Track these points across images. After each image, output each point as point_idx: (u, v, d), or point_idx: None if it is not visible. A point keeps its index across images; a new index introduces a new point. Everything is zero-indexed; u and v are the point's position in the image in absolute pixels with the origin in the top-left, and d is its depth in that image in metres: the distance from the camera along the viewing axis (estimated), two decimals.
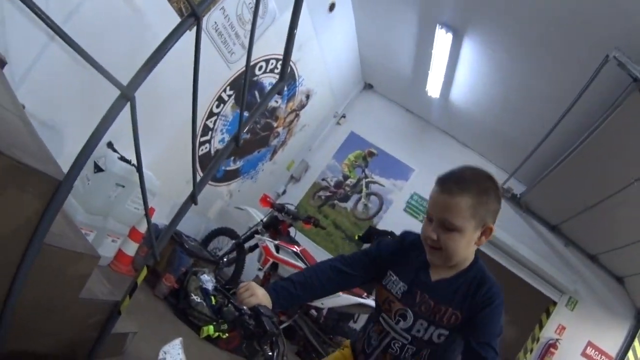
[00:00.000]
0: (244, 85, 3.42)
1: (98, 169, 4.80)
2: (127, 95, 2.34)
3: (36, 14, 1.99)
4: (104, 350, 3.19)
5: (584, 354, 9.10)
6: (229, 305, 2.06)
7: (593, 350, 9.16)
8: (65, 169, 2.28)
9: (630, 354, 9.11)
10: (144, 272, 3.26)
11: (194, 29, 2.54)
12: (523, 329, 10.90)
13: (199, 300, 5.49)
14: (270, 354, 1.84)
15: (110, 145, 4.91)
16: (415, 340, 2.19)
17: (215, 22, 5.33)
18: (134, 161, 5.02)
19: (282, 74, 3.76)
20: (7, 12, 3.33)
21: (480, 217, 2.04)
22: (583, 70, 5.10)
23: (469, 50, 6.56)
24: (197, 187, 3.39)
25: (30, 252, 2.21)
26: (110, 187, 4.87)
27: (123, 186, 4.92)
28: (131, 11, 4.33)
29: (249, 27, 5.63)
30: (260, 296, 2.03)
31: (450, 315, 2.12)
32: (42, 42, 3.71)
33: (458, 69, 7.06)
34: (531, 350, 9.11)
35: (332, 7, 7.15)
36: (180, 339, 2.20)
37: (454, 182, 2.06)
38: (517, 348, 9.64)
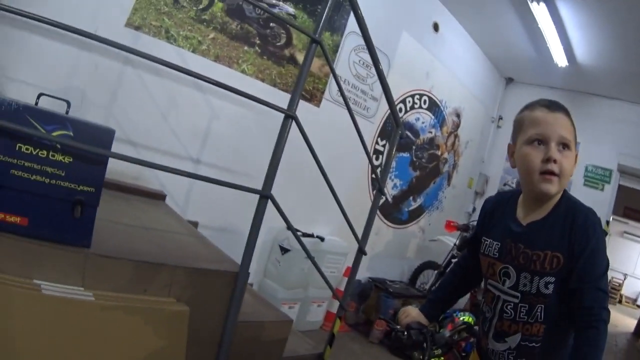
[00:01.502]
0: (361, 140, 3.78)
1: (284, 250, 5.38)
2: (265, 195, 2.79)
3: (172, 171, 2.54)
4: None
5: None
6: (440, 331, 2.42)
7: None
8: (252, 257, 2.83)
9: None
10: (337, 322, 3.69)
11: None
12: None
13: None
14: (420, 357, 2.17)
15: (290, 227, 5.47)
16: (525, 295, 2.07)
17: (337, 90, 5.75)
18: (317, 233, 5.60)
19: (396, 120, 4.05)
20: (149, 154, 4.05)
21: (575, 139, 2.05)
22: None
23: (566, 11, 6.50)
24: (361, 240, 3.78)
25: (226, 330, 2.69)
26: (301, 262, 5.38)
27: (313, 257, 5.45)
28: (257, 115, 4.93)
29: (369, 80, 6.12)
30: (414, 315, 2.37)
31: (551, 258, 1.99)
32: (190, 168, 4.43)
33: (568, 32, 7.00)
34: None
35: (436, 27, 7.44)
36: None
37: (556, 104, 2.07)
38: None
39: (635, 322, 14.85)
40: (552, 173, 1.96)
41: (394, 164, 7.32)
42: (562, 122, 2.00)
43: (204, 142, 4.61)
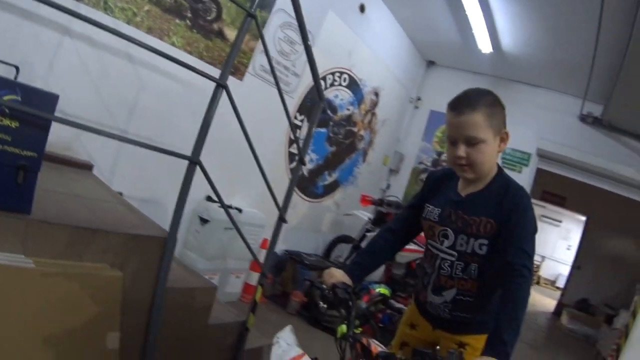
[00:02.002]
0: (287, 114, 3.89)
1: (204, 221, 5.45)
2: (194, 160, 2.86)
3: (98, 132, 2.58)
4: None
5: None
6: (357, 302, 2.53)
7: None
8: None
9: None
10: (259, 290, 3.81)
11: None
12: None
13: (326, 305, 5.96)
14: (346, 314, 2.30)
15: (209, 198, 5.54)
16: (461, 254, 2.36)
17: (262, 65, 5.88)
18: (235, 205, 5.67)
19: (319, 94, 4.20)
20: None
21: (495, 126, 2.24)
22: None
23: None
24: (282, 208, 3.92)
25: (157, 295, 2.78)
26: (220, 233, 5.47)
27: (232, 228, 5.52)
28: (183, 86, 4.97)
29: (292, 56, 6.20)
30: (339, 276, 2.49)
31: (485, 223, 2.28)
32: (116, 141, 4.40)
33: (495, 19, 7.24)
34: None
35: (362, 8, 7.56)
36: (290, 326, 2.70)
37: (464, 104, 2.24)
38: None
39: (553, 302, 15.65)
40: (463, 164, 2.29)
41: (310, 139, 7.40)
42: (468, 122, 2.22)
43: (131, 113, 4.61)
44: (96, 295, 2.40)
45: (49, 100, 2.27)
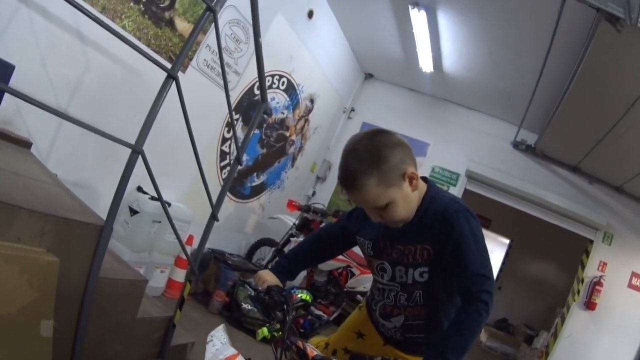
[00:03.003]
0: (230, 115, 3.87)
1: (133, 212, 5.31)
2: (137, 150, 2.81)
3: (43, 107, 2.47)
4: None
5: (630, 285, 9.18)
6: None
7: (639, 280, 9.22)
8: (103, 217, 2.81)
9: None
10: (187, 286, 3.77)
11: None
12: (568, 273, 11.12)
13: (249, 307, 5.93)
14: (281, 316, 2.29)
15: (140, 189, 5.42)
16: (403, 285, 2.28)
17: (205, 59, 5.81)
18: (164, 199, 5.57)
19: (262, 95, 4.20)
20: (22, 103, 3.92)
21: (393, 179, 2.05)
22: (550, 13, 5.33)
23: (444, 21, 6.89)
24: (215, 206, 3.89)
25: (89, 284, 2.69)
26: (148, 225, 5.36)
27: (159, 222, 5.42)
28: (128, 73, 4.86)
29: (236, 55, 6.14)
30: (271, 279, 2.49)
31: (421, 251, 2.16)
32: (57, 121, 4.29)
33: (441, 41, 7.40)
34: (578, 292, 9.19)
35: (310, 14, 7.61)
36: (223, 325, 2.66)
37: (350, 181, 2.05)
38: (566, 292, 9.80)
39: None
40: (385, 223, 2.21)
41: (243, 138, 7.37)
42: (364, 197, 2.06)
43: (74, 93, 4.45)
44: (32, 280, 2.31)
45: (4, 70, 2.18)
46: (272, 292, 2.34)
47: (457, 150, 9.64)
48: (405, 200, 2.12)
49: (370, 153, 2.02)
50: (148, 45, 4.94)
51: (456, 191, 9.55)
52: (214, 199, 3.92)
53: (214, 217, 3.92)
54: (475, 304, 1.92)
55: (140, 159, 2.85)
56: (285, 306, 2.28)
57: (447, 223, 2.09)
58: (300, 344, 2.13)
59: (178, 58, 2.96)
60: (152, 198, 5.36)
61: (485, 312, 1.91)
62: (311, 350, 2.13)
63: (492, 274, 2.02)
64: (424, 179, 2.32)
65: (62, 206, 2.86)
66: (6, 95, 3.47)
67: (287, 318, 2.24)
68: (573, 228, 9.56)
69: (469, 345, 1.91)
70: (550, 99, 7.24)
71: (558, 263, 13.45)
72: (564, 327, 8.89)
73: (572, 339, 8.69)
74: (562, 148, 8.80)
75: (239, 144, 4.15)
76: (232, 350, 2.35)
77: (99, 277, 2.77)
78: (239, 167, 7.33)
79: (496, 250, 23.08)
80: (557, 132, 7.93)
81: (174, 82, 2.91)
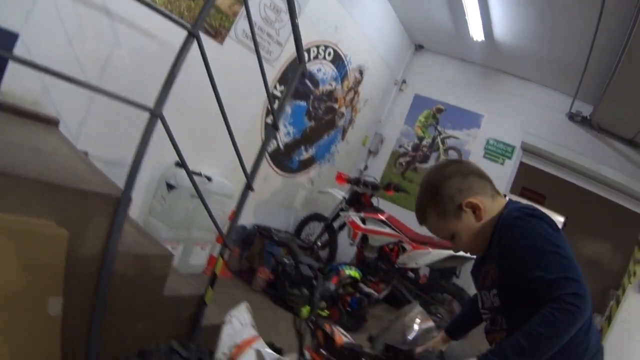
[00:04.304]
0: (264, 80, 3.67)
1: (170, 187, 5.20)
2: (155, 113, 2.64)
3: (73, 81, 2.37)
4: (202, 343, 3.57)
5: None
6: (325, 283, 2.31)
7: None
8: (139, 193, 2.67)
9: None
10: (220, 261, 3.61)
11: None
12: (623, 254, 10.62)
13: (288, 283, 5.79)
14: (309, 295, 2.09)
15: (178, 164, 5.28)
16: (491, 310, 2.18)
17: (244, 30, 5.64)
18: (204, 173, 5.44)
19: (299, 56, 3.96)
20: (49, 82, 3.83)
21: (450, 209, 2.08)
22: None
23: None
24: (250, 176, 3.70)
25: (107, 260, 2.56)
26: (186, 201, 5.22)
27: (201, 193, 5.30)
28: (158, 45, 4.73)
29: (277, 25, 5.97)
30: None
31: (489, 272, 2.13)
32: (87, 99, 4.24)
33: (491, 7, 7.04)
34: (634, 274, 8.78)
35: None
36: (246, 303, 2.49)
37: (417, 212, 2.20)
38: (622, 274, 9.36)
39: None
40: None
41: (289, 110, 7.27)
42: (431, 227, 2.20)
43: (103, 70, 4.35)
44: (37, 255, 2.18)
45: (7, 38, 2.04)
46: (299, 266, 2.14)
47: (512, 122, 9.25)
48: (469, 231, 2.12)
49: (428, 185, 2.16)
50: (181, 17, 4.78)
51: (512, 164, 9.22)
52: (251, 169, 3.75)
53: (248, 187, 3.74)
54: (552, 305, 1.70)
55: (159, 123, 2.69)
56: (313, 282, 2.08)
57: (506, 233, 1.96)
58: (327, 327, 1.93)
59: (199, 15, 2.78)
60: (192, 173, 5.22)
61: (567, 314, 1.66)
62: (340, 336, 1.92)
63: (576, 274, 1.75)
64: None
65: (79, 179, 2.73)
66: (32, 75, 3.39)
67: (314, 295, 2.05)
68: (630, 205, 9.07)
69: (536, 350, 1.69)
70: (605, 67, 6.79)
71: (613, 243, 12.90)
72: (619, 310, 8.46)
73: (627, 323, 8.28)
74: (618, 119, 8.31)
75: (275, 109, 3.89)
76: (251, 333, 2.19)
77: (118, 251, 2.63)
78: (284, 141, 7.30)
79: None
80: (613, 103, 7.47)
81: (195, 41, 2.73)
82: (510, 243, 1.91)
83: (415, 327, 3.02)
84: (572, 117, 8.92)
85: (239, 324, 2.27)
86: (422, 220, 2.19)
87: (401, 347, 1.75)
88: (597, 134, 8.83)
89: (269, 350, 2.10)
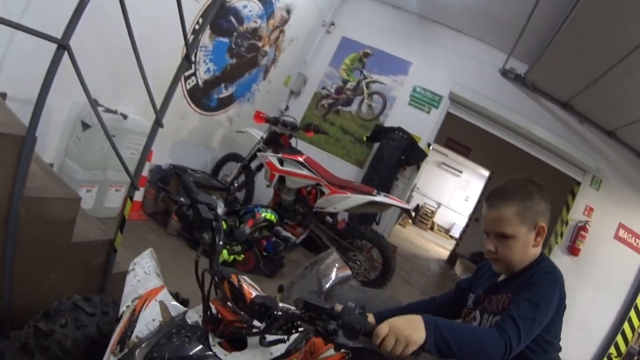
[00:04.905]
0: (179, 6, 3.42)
1: (86, 126, 4.91)
2: (62, 44, 2.44)
3: None
4: (114, 293, 3.38)
5: (616, 236, 9.07)
6: (240, 226, 2.13)
7: (626, 233, 9.11)
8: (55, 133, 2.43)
9: None
10: (128, 204, 3.41)
11: None
12: (552, 213, 10.94)
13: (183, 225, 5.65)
14: (209, 239, 1.89)
15: (95, 101, 4.99)
16: None
17: None
18: (120, 110, 5.16)
19: None
20: None
21: (530, 220, 2.22)
22: None
23: None
24: (159, 111, 3.50)
25: (12, 205, 2.38)
26: (101, 140, 4.89)
27: (114, 136, 5.02)
28: None
29: None
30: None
31: (504, 300, 2.24)
32: (6, 37, 3.95)
33: None
34: (562, 234, 9.09)
35: None
36: (151, 249, 2.32)
37: (498, 196, 2.26)
38: (549, 233, 9.56)
39: (446, 251, 16.34)
40: (492, 258, 2.33)
41: (210, 47, 6.95)
42: (498, 217, 2.24)
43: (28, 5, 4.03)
44: None
45: None
46: (198, 206, 1.94)
47: (442, 72, 9.20)
48: (524, 246, 2.26)
49: (525, 189, 2.28)
50: None
51: (438, 113, 9.24)
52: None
53: (157, 123, 3.51)
54: (499, 332, 1.90)
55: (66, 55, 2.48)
56: (214, 224, 1.90)
57: (531, 274, 2.19)
58: (234, 278, 1.76)
59: None
60: (107, 110, 4.95)
61: (502, 347, 1.87)
62: (249, 289, 1.76)
63: (527, 337, 1.98)
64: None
65: None
66: None
67: (217, 241, 1.87)
68: (559, 166, 9.32)
69: (462, 343, 1.80)
70: (546, 28, 6.80)
71: None
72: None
73: None
74: (553, 82, 8.43)
75: (187, 40, 3.63)
76: (155, 282, 2.04)
77: (23, 196, 2.43)
78: (203, 77, 7.01)
79: (473, 180, 23.30)
80: (550, 65, 7.54)
81: None
82: (530, 280, 2.14)
83: (332, 275, 2.94)
84: (505, 73, 8.95)
85: (142, 273, 2.13)
86: (497, 203, 2.25)
87: (323, 305, 1.62)
88: (530, 92, 8.92)
89: (174, 303, 1.96)
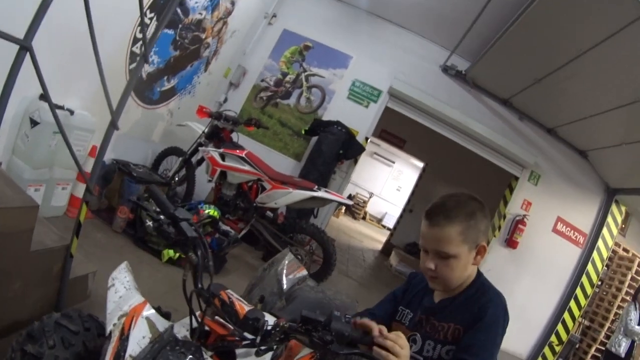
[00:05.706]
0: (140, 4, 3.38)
1: (34, 123, 4.78)
2: (25, 45, 2.41)
3: None
4: (71, 298, 3.34)
5: (555, 230, 9.43)
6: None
7: (564, 227, 9.47)
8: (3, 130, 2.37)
9: (604, 230, 9.46)
10: (84, 209, 3.38)
11: None
12: (489, 207, 11.21)
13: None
14: (195, 258, 1.90)
15: (42, 97, 4.85)
16: (425, 359, 2.27)
17: None
18: (67, 106, 5.04)
19: None
20: None
21: (471, 240, 2.19)
22: None
23: None
24: (115, 112, 3.42)
25: None
26: (49, 137, 4.86)
27: (59, 133, 4.93)
28: None
29: None
30: None
31: (453, 330, 2.20)
32: None
33: None
34: (499, 228, 9.37)
35: None
36: (126, 262, 2.32)
37: (440, 214, 2.19)
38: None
39: (379, 241, 16.50)
40: (431, 276, 2.27)
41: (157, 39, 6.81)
42: (440, 236, 2.17)
43: None
44: None
45: None
46: (180, 224, 1.94)
47: (382, 67, 9.35)
48: (464, 266, 2.23)
49: (468, 207, 2.23)
50: None
51: (376, 108, 9.37)
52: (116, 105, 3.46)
53: (113, 125, 3.44)
54: None
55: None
56: (202, 242, 1.91)
57: (483, 310, 2.14)
58: (225, 295, 1.79)
59: None
60: (55, 107, 4.82)
61: None
62: (241, 305, 1.79)
63: None
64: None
65: None
66: None
67: (205, 260, 1.88)
68: (498, 162, 9.57)
69: None
70: (492, 29, 6.94)
71: (478, 195, 13.59)
72: (484, 261, 8.96)
73: (492, 274, 8.88)
74: (495, 80, 8.69)
75: (146, 39, 3.59)
76: (138, 298, 2.05)
77: None
78: (146, 70, 6.91)
79: (405, 170, 23.63)
80: (493, 64, 7.78)
81: None
82: (483, 320, 2.10)
83: (290, 276, 3.01)
84: (446, 69, 9.14)
85: (123, 288, 2.14)
86: (440, 222, 2.18)
87: (318, 318, 1.70)
88: (471, 89, 9.15)
89: (159, 317, 1.99)
